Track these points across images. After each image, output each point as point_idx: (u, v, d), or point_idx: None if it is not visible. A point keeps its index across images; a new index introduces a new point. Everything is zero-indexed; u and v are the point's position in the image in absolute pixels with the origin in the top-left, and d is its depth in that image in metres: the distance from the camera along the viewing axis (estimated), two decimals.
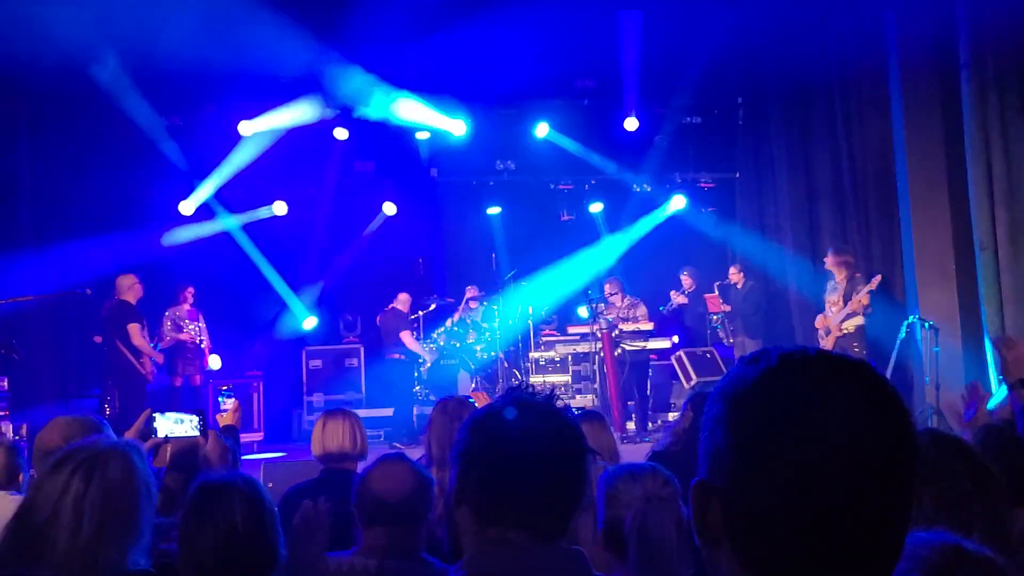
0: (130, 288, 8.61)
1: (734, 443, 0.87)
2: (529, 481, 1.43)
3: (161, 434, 2.80)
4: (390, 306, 9.55)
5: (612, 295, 9.51)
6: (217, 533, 1.96)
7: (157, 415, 2.85)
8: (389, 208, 10.85)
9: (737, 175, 11.62)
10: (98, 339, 8.71)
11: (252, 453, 8.71)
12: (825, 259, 9.08)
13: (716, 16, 9.62)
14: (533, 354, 10.28)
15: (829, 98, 10.47)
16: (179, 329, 9.36)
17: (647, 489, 1.99)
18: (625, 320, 9.33)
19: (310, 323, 10.52)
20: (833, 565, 0.83)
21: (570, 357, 10.10)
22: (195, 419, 2.87)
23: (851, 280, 8.82)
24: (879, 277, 8.68)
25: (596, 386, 9.36)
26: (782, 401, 0.85)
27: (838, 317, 8.69)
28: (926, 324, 8.12)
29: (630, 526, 1.93)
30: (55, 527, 1.74)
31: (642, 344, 9.29)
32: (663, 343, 9.44)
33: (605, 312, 9.47)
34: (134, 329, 8.44)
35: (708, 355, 9.46)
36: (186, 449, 2.80)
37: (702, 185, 11.40)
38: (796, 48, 10.67)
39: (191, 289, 9.53)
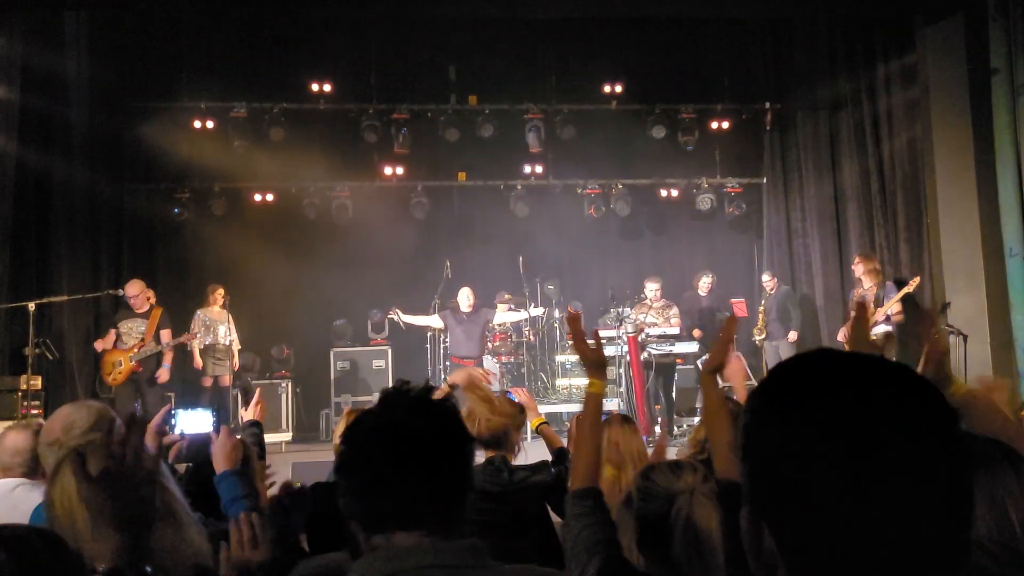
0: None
1: (782, 465, 0.82)
2: (403, 480, 1.37)
3: (178, 430, 2.84)
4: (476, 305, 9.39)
5: (652, 291, 9.60)
6: None
7: (178, 411, 2.90)
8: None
9: (764, 179, 11.58)
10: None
11: (280, 452, 8.86)
12: (853, 266, 9.01)
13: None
14: (559, 357, 10.33)
15: (857, 103, 10.42)
16: (209, 330, 9.51)
17: (689, 483, 1.98)
18: (655, 321, 9.43)
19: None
20: None
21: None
22: (210, 415, 2.90)
23: (881, 287, 8.76)
24: (917, 279, 8.54)
25: (622, 390, 9.37)
26: (831, 413, 0.80)
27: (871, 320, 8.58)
28: (955, 330, 8.05)
29: (675, 518, 1.92)
30: None
31: (668, 348, 9.34)
32: (690, 347, 9.44)
33: (638, 309, 9.58)
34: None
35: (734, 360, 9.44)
36: (199, 445, 2.80)
37: (729, 189, 11.37)
38: (824, 52, 10.68)
39: (221, 289, 9.68)
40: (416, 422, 1.39)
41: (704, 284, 10.25)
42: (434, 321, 9.54)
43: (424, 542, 1.37)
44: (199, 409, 2.94)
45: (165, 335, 8.83)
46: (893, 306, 8.57)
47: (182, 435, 2.86)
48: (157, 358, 8.76)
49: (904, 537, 0.77)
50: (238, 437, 2.67)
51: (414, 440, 1.38)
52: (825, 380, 0.83)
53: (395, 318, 9.64)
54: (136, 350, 8.65)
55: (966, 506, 0.81)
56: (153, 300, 9.04)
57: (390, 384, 1.47)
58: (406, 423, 1.39)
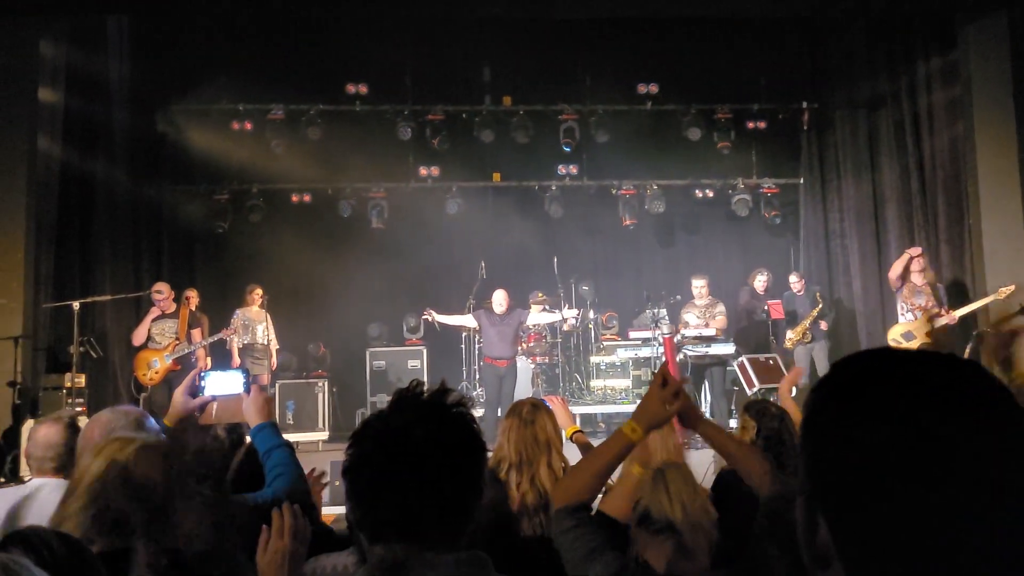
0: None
1: (843, 453, 0.80)
2: (404, 489, 1.32)
3: (208, 393, 2.88)
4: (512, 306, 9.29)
5: (699, 288, 9.60)
6: None
7: (209, 373, 2.93)
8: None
9: (801, 180, 11.48)
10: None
11: (317, 451, 8.93)
12: (917, 259, 8.73)
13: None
14: (594, 358, 10.32)
15: (897, 101, 10.29)
16: (247, 329, 9.62)
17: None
18: (699, 321, 9.45)
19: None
20: None
21: (631, 362, 10.10)
22: (240, 376, 2.93)
23: (934, 287, 8.64)
24: (1012, 287, 8.21)
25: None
26: (897, 402, 0.79)
27: (927, 327, 8.45)
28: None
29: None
30: None
31: (704, 349, 9.31)
32: (726, 348, 9.39)
33: (686, 308, 9.61)
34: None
35: (771, 362, 9.37)
36: (232, 406, 2.87)
37: (765, 190, 11.28)
38: (862, 50, 10.56)
39: (259, 289, 9.79)
40: (424, 427, 1.35)
41: (760, 282, 10.07)
42: (468, 321, 9.56)
43: (426, 555, 1.32)
44: (229, 371, 2.96)
45: (195, 335, 8.95)
46: (962, 310, 8.42)
47: (213, 397, 2.89)
48: (190, 358, 8.85)
49: (969, 530, 0.75)
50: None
51: (420, 447, 1.33)
52: (890, 370, 0.82)
53: (429, 319, 9.68)
54: (171, 348, 8.77)
55: None
56: (195, 304, 9.19)
57: (426, 384, 1.44)
58: (413, 428, 1.34)
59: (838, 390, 0.84)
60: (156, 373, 8.71)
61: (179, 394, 2.84)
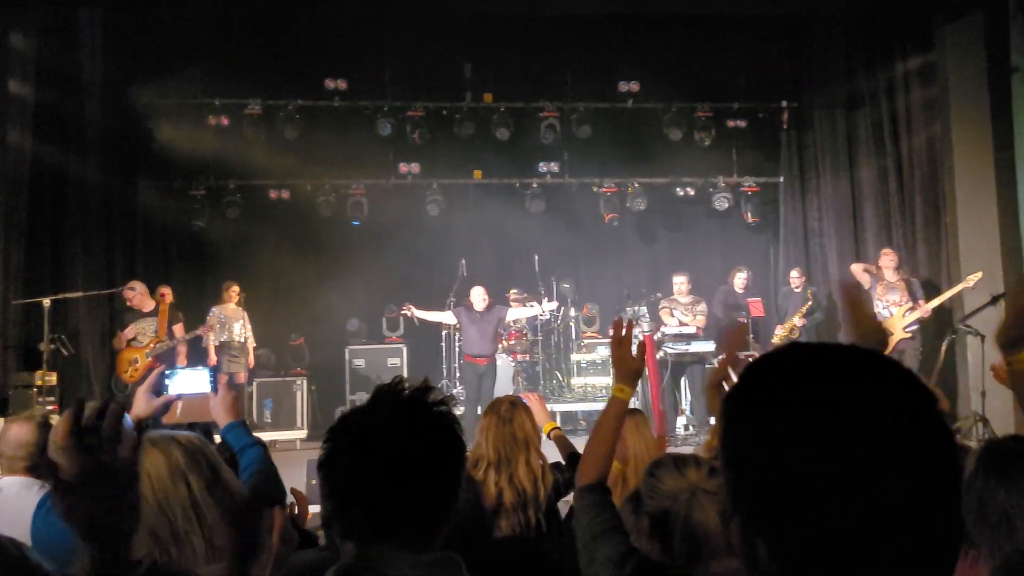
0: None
1: (762, 472, 0.79)
2: (378, 487, 1.29)
3: (173, 391, 2.80)
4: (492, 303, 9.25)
5: (679, 284, 9.66)
6: None
7: (175, 371, 2.85)
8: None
9: (781, 178, 11.52)
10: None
11: (295, 450, 8.86)
12: (880, 260, 8.83)
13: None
14: (574, 356, 10.29)
15: (875, 101, 10.35)
16: (224, 327, 9.51)
17: (692, 481, 1.96)
18: (684, 319, 9.50)
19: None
20: None
21: (611, 359, 10.07)
22: (206, 375, 2.85)
23: (907, 281, 8.70)
24: (980, 274, 8.23)
25: (637, 389, 9.35)
26: (805, 412, 0.77)
27: (904, 321, 8.51)
28: (973, 331, 7.97)
29: (674, 519, 1.91)
30: None
31: (684, 347, 9.32)
32: (706, 346, 9.39)
33: (667, 303, 9.65)
34: None
35: (751, 359, 9.38)
36: (197, 405, 2.79)
37: (745, 188, 11.32)
38: (841, 50, 10.61)
39: (236, 287, 9.68)
40: (403, 425, 1.32)
41: (740, 280, 10.07)
42: (447, 317, 9.49)
43: (397, 554, 1.29)
44: (195, 369, 2.88)
45: (177, 330, 8.84)
46: (934, 302, 8.47)
47: (178, 396, 2.81)
48: (172, 355, 8.75)
49: (894, 534, 0.75)
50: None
51: (397, 445, 1.31)
52: (798, 377, 0.80)
53: (408, 314, 9.62)
54: (152, 346, 8.66)
55: (954, 500, 0.78)
56: (169, 299, 9.07)
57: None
58: (392, 426, 1.32)
59: (752, 405, 0.82)
60: (136, 371, 8.58)
61: (142, 392, 2.74)
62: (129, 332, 8.74)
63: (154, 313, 8.80)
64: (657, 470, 2.04)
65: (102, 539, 1.28)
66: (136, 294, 8.74)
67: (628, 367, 2.24)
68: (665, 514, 1.95)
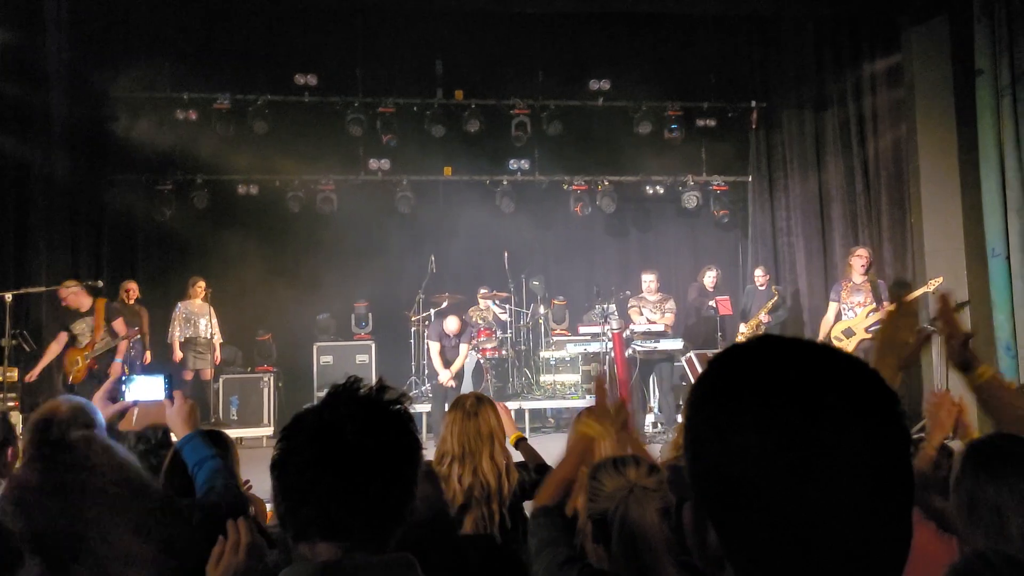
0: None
1: (720, 459, 0.80)
2: (330, 488, 1.27)
3: (130, 398, 2.76)
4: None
5: (648, 282, 9.71)
6: None
7: (132, 377, 2.82)
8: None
9: (750, 178, 11.61)
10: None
11: (262, 447, 8.79)
12: (851, 259, 8.85)
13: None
14: (543, 353, 10.31)
15: (843, 102, 10.47)
16: (190, 323, 9.41)
17: (631, 479, 1.97)
18: (653, 317, 9.56)
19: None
20: None
21: (580, 356, 10.11)
22: (162, 382, 2.81)
23: (873, 283, 8.77)
24: (940, 278, 8.28)
25: (606, 386, 9.37)
26: (765, 404, 0.78)
27: (866, 322, 8.59)
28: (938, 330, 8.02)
29: (611, 517, 1.92)
30: None
31: (653, 345, 9.37)
32: (674, 344, 9.45)
33: (636, 301, 9.71)
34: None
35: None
36: (153, 412, 2.75)
37: (715, 187, 11.39)
38: (810, 51, 10.71)
39: (203, 282, 9.58)
40: (355, 426, 1.30)
41: (710, 279, 10.09)
42: (436, 348, 9.28)
43: (351, 556, 1.28)
44: (151, 375, 2.84)
45: (118, 325, 8.46)
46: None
47: (134, 403, 2.77)
48: (112, 352, 8.45)
49: (845, 528, 0.75)
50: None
51: (351, 444, 1.29)
52: (759, 370, 0.81)
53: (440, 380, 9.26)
54: (91, 348, 8.41)
55: (906, 493, 0.79)
56: (135, 296, 8.91)
57: (373, 379, 1.37)
58: (346, 425, 1.30)
59: (713, 393, 0.83)
60: (79, 372, 8.35)
61: (98, 399, 2.72)
62: (62, 336, 8.39)
63: (90, 312, 8.42)
64: (598, 472, 2.05)
65: (48, 554, 1.28)
66: (70, 292, 8.33)
67: (604, 410, 2.41)
68: (604, 514, 1.96)
